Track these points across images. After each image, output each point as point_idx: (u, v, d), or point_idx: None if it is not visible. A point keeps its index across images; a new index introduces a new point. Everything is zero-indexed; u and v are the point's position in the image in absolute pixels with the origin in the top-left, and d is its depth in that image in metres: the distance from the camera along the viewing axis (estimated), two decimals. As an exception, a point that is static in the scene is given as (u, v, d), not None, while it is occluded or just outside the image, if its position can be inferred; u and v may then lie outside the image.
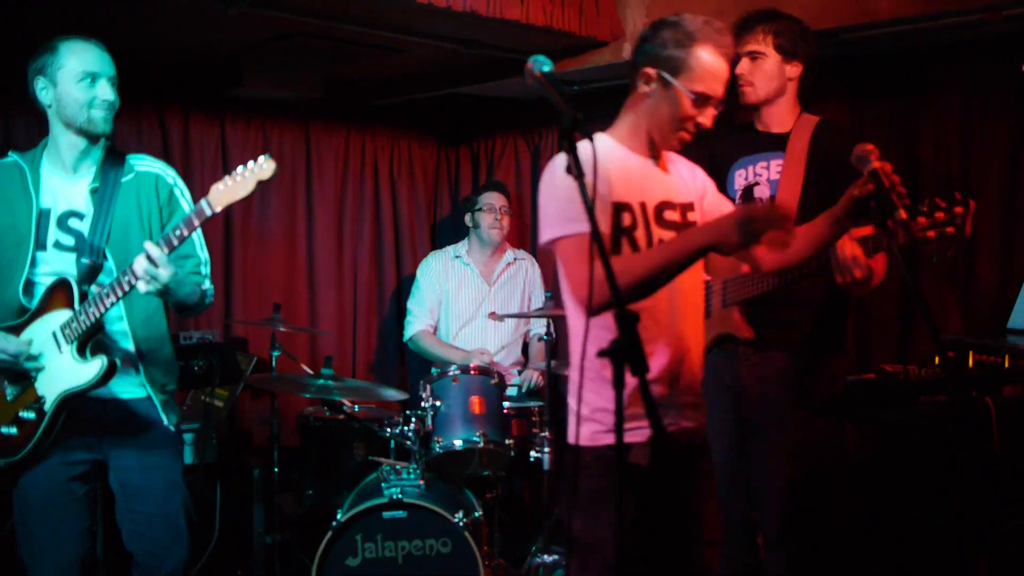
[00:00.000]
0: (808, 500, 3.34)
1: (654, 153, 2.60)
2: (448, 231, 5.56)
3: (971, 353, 2.94)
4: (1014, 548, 2.83)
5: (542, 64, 2.33)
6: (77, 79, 2.83)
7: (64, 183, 2.92)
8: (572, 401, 2.55)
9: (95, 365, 2.77)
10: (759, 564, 3.58)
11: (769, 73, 3.28)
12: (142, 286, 2.67)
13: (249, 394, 4.93)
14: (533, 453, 4.13)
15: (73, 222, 2.90)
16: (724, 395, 3.43)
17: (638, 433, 2.43)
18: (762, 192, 3.36)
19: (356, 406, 4.40)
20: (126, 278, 2.71)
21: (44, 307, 2.84)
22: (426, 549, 3.74)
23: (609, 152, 2.53)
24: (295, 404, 4.83)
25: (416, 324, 4.91)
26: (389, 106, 5.33)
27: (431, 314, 4.92)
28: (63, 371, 2.80)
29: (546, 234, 2.52)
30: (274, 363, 4.43)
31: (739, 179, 3.41)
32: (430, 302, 4.93)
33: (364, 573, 3.70)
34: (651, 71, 2.49)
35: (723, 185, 3.46)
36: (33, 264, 2.87)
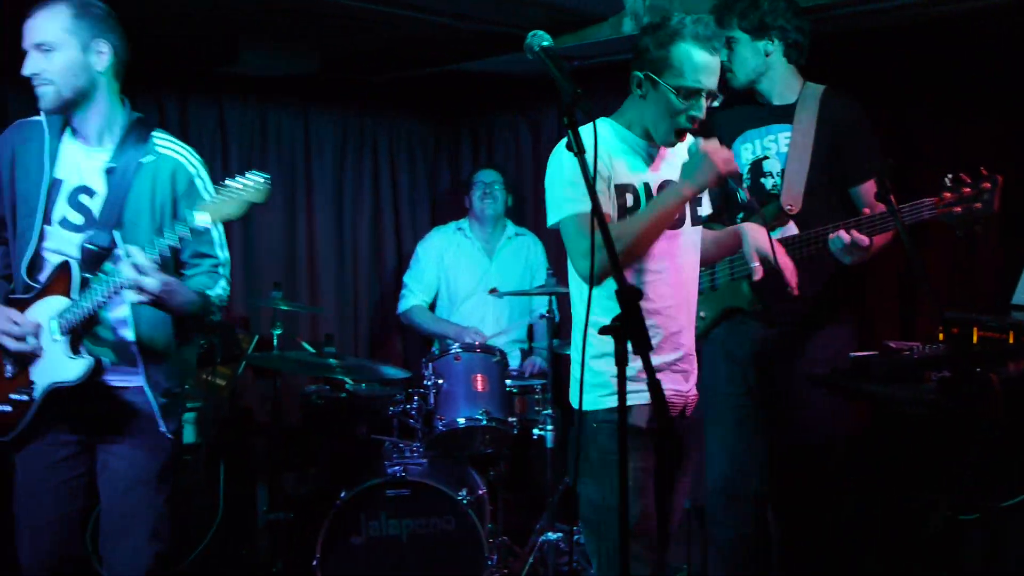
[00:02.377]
0: (812, 472, 3.36)
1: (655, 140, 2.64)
2: (447, 208, 5.54)
3: (975, 329, 2.93)
4: (1017, 522, 2.83)
5: (541, 39, 2.32)
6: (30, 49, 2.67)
7: (82, 155, 2.74)
8: (575, 368, 2.61)
9: (80, 364, 2.65)
10: (759, 535, 3.59)
11: (743, 56, 3.30)
12: (133, 295, 2.54)
13: (251, 373, 4.92)
14: (536, 431, 4.12)
15: (83, 199, 2.73)
16: (731, 367, 3.43)
17: (639, 396, 2.48)
18: (772, 166, 3.34)
19: (360, 384, 4.40)
20: (118, 279, 2.56)
21: (47, 289, 2.70)
22: (430, 527, 3.75)
23: (613, 134, 2.62)
24: (297, 383, 4.83)
25: (411, 298, 4.92)
26: (387, 84, 5.29)
27: (427, 290, 4.93)
28: (54, 362, 2.68)
29: (552, 216, 2.58)
30: (276, 341, 4.42)
31: (746, 153, 3.39)
32: (428, 277, 4.94)
33: (368, 551, 3.71)
34: (639, 75, 2.57)
35: None
36: (42, 238, 2.70)
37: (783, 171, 3.30)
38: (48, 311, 2.69)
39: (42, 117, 2.76)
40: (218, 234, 2.86)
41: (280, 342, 4.40)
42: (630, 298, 2.03)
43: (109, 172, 2.73)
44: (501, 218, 5.01)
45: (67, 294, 2.67)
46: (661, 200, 2.54)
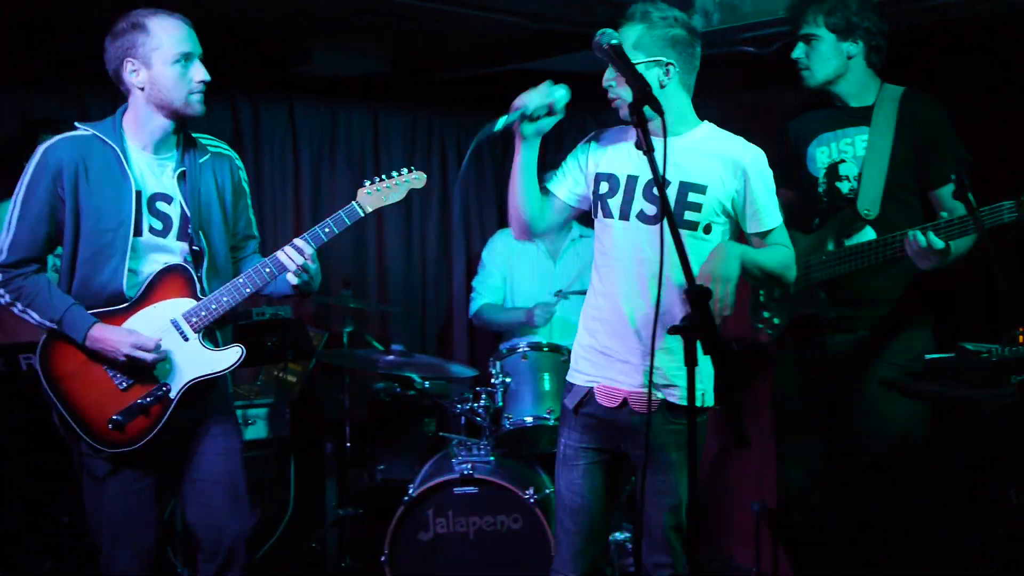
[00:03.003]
0: (889, 477, 3.30)
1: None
2: (516, 207, 5.54)
3: (1058, 330, 2.84)
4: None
5: (610, 37, 2.32)
6: (172, 61, 2.72)
7: (150, 165, 2.83)
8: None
9: (232, 353, 2.82)
10: (831, 542, 3.54)
11: (825, 54, 3.22)
12: (292, 278, 2.83)
13: (321, 370, 4.99)
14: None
15: (162, 205, 2.82)
16: (804, 375, 3.38)
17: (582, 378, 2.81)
18: (849, 170, 3.29)
19: (426, 382, 4.43)
20: (266, 270, 2.80)
21: (153, 295, 2.77)
22: (497, 525, 3.76)
23: (619, 131, 2.84)
24: (366, 380, 4.88)
25: (479, 300, 4.92)
26: (455, 83, 5.31)
27: (495, 292, 4.92)
28: (192, 359, 2.79)
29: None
30: (345, 339, 4.47)
31: (822, 157, 3.34)
32: (494, 281, 4.93)
33: (436, 548, 3.74)
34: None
35: (801, 163, 3.40)
36: (132, 249, 2.76)
37: (860, 175, 3.24)
38: (166, 316, 2.79)
39: (88, 131, 2.78)
40: (254, 211, 3.13)
41: (350, 340, 4.45)
42: (700, 298, 2.02)
43: (180, 177, 2.85)
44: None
45: (189, 295, 2.80)
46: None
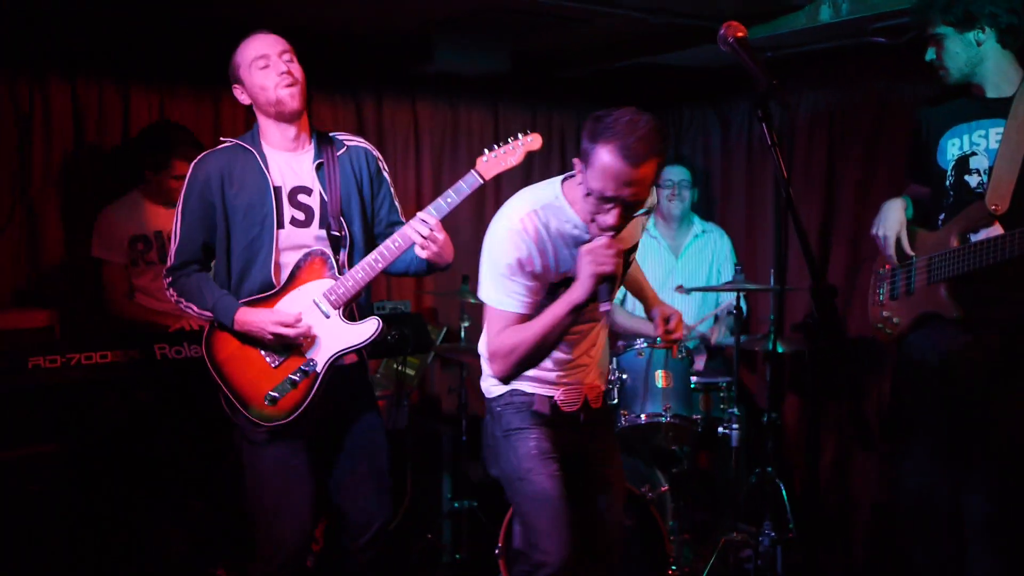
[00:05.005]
0: (1017, 485, 3.16)
1: None
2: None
3: None
4: None
5: (736, 30, 2.28)
6: (252, 68, 2.98)
7: (288, 161, 3.05)
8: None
9: (371, 325, 2.99)
10: (952, 553, 3.42)
11: (953, 51, 3.10)
12: (420, 251, 2.95)
13: (439, 363, 5.05)
14: (721, 429, 4.06)
15: (302, 197, 3.03)
16: (925, 376, 3.27)
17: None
18: (979, 163, 3.16)
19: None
20: (395, 244, 2.94)
21: (297, 279, 3.00)
22: (611, 522, 3.74)
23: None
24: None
25: None
26: (575, 79, 5.31)
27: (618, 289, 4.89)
28: (334, 334, 2.99)
29: None
30: (463, 333, 4.53)
31: (952, 149, 3.22)
32: None
33: (549, 542, 3.73)
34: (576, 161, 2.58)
35: (933, 156, 3.29)
36: (277, 240, 2.99)
37: (991, 168, 3.11)
38: (308, 296, 3.00)
39: (231, 142, 3.06)
40: (398, 201, 3.24)
41: (467, 334, 4.50)
42: (826, 295, 1.98)
43: (319, 167, 3.05)
44: (688, 215, 4.94)
45: (328, 276, 3.00)
46: (551, 311, 2.56)
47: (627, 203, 2.46)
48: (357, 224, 3.09)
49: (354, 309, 3.04)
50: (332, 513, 3.31)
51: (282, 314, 2.94)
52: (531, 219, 2.61)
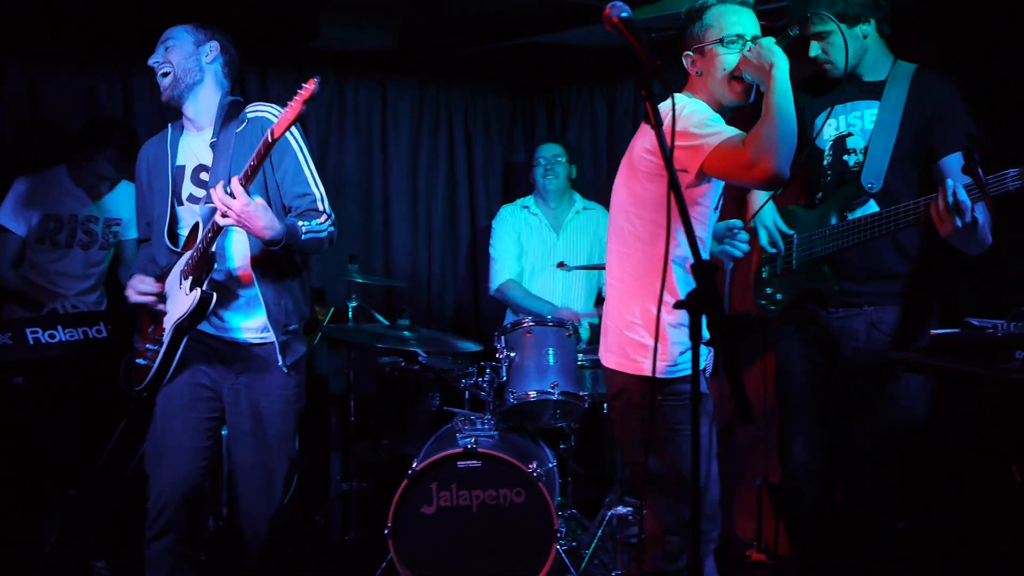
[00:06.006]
0: (892, 453, 3.31)
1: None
2: (523, 183, 5.53)
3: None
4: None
5: (620, 10, 2.30)
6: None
7: (195, 140, 3.14)
8: (647, 336, 2.71)
9: (191, 297, 2.95)
10: (828, 515, 3.56)
11: (840, 45, 3.19)
12: (219, 218, 2.84)
13: (326, 344, 5.00)
14: (607, 405, 4.11)
15: (204, 175, 3.08)
16: (808, 349, 3.38)
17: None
18: (856, 143, 3.27)
19: (431, 357, 4.44)
20: (215, 212, 2.89)
21: (180, 253, 3.07)
22: (500, 498, 3.76)
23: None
24: (372, 354, 4.89)
25: (504, 272, 4.89)
26: (465, 57, 5.29)
27: (515, 262, 4.91)
28: (175, 304, 3.01)
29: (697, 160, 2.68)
30: (351, 314, 4.48)
31: (829, 129, 3.32)
32: (513, 250, 4.92)
33: (439, 521, 3.75)
34: (689, 54, 2.79)
35: (810, 136, 3.38)
36: (175, 218, 3.10)
37: (866, 148, 3.23)
38: (179, 266, 3.04)
39: (170, 126, 3.20)
40: (310, 173, 3.13)
41: (355, 314, 4.46)
42: (707, 272, 2.02)
43: (212, 145, 3.07)
44: (567, 192, 4.96)
45: (193, 248, 3.01)
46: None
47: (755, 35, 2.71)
48: (256, 197, 2.92)
49: (198, 282, 2.96)
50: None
51: (137, 282, 3.06)
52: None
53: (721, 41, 2.71)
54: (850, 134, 3.28)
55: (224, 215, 2.82)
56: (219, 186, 2.82)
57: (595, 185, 5.30)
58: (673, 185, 2.14)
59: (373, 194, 5.27)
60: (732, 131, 2.63)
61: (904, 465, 3.30)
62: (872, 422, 3.30)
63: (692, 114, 2.67)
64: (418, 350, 4.28)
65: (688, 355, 2.65)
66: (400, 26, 4.67)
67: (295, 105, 2.75)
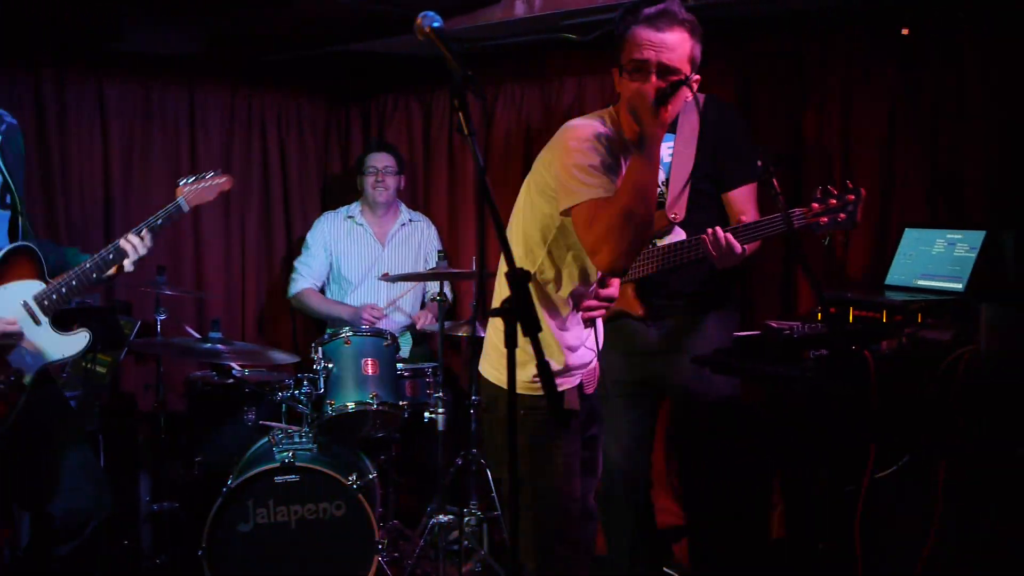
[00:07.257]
0: (702, 451, 3.48)
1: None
2: (338, 192, 5.47)
3: (851, 309, 3.04)
4: (887, 494, 2.95)
5: (432, 20, 2.30)
6: None
7: None
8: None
9: (81, 338, 2.88)
10: (648, 520, 3.70)
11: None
12: (129, 266, 2.99)
13: (133, 359, 4.79)
14: (427, 414, 4.11)
15: None
16: (622, 360, 3.49)
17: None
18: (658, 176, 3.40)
19: (246, 370, 4.32)
20: (110, 256, 2.90)
21: (4, 276, 2.82)
22: (319, 512, 3.71)
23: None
24: (182, 369, 4.72)
25: (301, 282, 4.86)
26: (277, 63, 5.19)
27: (318, 275, 4.88)
28: (46, 343, 2.84)
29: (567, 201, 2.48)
30: (159, 327, 4.30)
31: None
32: (319, 262, 4.88)
33: (256, 538, 3.66)
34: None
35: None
36: None
37: (667, 180, 3.35)
38: (19, 296, 2.82)
39: None
40: None
41: (163, 327, 4.28)
42: (520, 280, 2.04)
43: None
44: (394, 202, 4.96)
45: (38, 277, 2.84)
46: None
47: (661, 67, 2.42)
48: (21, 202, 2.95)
49: (68, 319, 2.98)
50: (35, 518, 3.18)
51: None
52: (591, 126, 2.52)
53: (620, 67, 2.51)
54: None
55: (136, 264, 3.04)
56: (136, 238, 3.02)
57: (412, 193, 5.30)
58: (484, 193, 2.15)
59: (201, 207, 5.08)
60: (609, 189, 2.41)
61: (710, 459, 3.48)
62: (685, 415, 3.47)
63: (593, 151, 2.45)
64: (232, 363, 4.16)
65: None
66: (208, 31, 4.53)
67: (213, 192, 3.15)
